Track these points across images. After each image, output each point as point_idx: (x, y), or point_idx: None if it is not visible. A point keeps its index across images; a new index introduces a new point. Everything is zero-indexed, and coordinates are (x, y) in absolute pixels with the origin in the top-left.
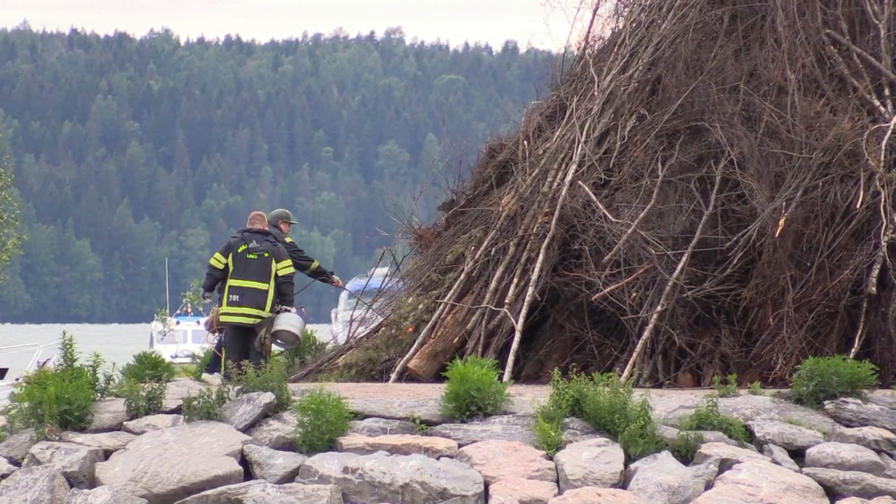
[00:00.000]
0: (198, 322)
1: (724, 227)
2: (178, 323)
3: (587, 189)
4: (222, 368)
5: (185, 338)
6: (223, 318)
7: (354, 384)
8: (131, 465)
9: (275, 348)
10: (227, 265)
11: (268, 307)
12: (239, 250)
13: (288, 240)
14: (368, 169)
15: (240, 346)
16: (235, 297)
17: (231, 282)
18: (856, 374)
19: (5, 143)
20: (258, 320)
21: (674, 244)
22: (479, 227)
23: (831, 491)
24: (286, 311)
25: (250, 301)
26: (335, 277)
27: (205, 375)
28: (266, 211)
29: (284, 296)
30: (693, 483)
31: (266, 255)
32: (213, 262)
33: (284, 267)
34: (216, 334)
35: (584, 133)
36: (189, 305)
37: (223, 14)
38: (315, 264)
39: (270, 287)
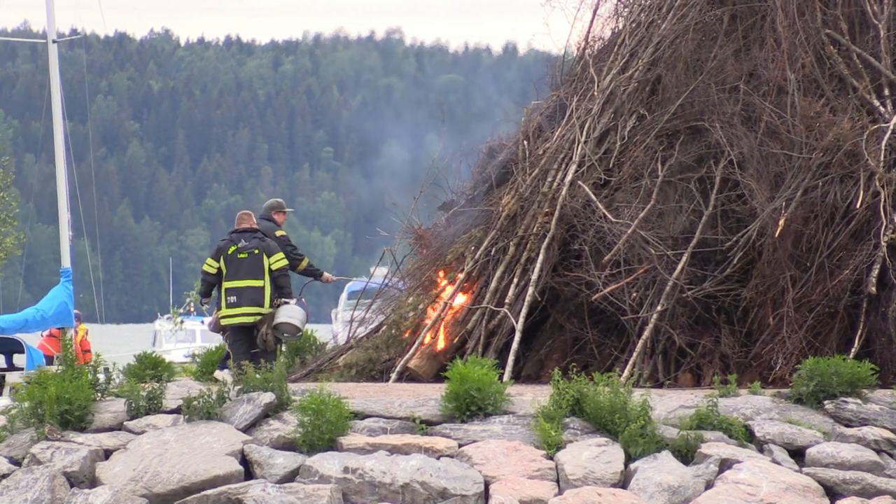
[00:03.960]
0: (202, 322)
1: (724, 227)
2: (182, 322)
3: (587, 189)
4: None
5: (193, 337)
6: (224, 321)
7: (354, 384)
8: (132, 465)
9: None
10: (220, 269)
11: (267, 303)
12: (229, 252)
13: (280, 233)
14: (368, 169)
15: (245, 347)
16: (233, 299)
17: (226, 284)
18: (856, 374)
19: (6, 143)
20: (258, 317)
21: (674, 244)
22: (479, 227)
23: (831, 491)
24: (285, 303)
25: (248, 300)
26: (326, 275)
27: (217, 373)
28: (255, 210)
29: (281, 288)
30: (693, 483)
31: (256, 251)
32: (205, 267)
33: (277, 261)
34: (222, 333)
35: (584, 133)
36: (192, 305)
37: (223, 14)
38: (304, 263)
39: (266, 283)
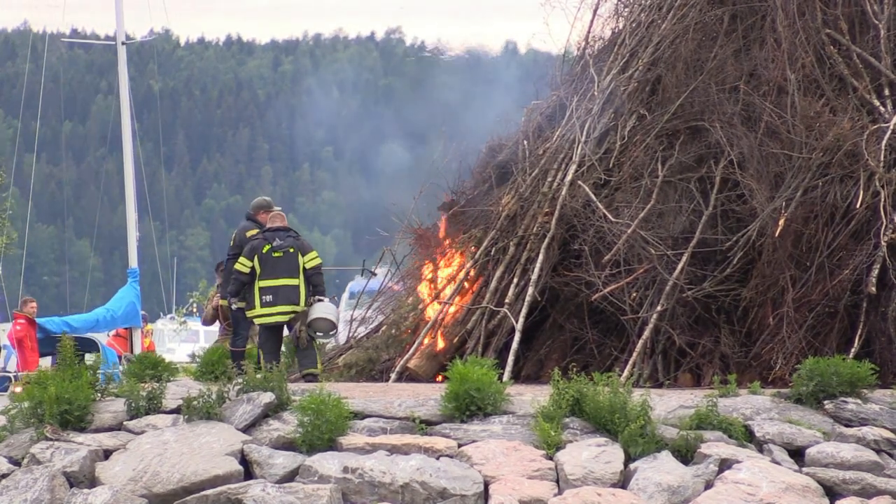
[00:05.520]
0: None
1: (724, 227)
2: (184, 322)
3: (587, 189)
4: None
5: (197, 337)
6: (259, 321)
7: (354, 384)
8: (131, 465)
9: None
10: (253, 268)
11: (302, 301)
12: (264, 251)
13: (251, 233)
14: (368, 169)
15: (275, 346)
16: (269, 298)
17: (261, 283)
18: (855, 373)
19: (6, 143)
20: (292, 315)
21: (674, 244)
22: (479, 227)
23: (831, 491)
24: (319, 300)
25: (284, 299)
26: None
27: None
28: (281, 207)
29: (316, 287)
30: (693, 483)
31: (291, 250)
32: (238, 266)
33: (311, 259)
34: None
35: (584, 133)
36: (195, 305)
37: (223, 14)
38: (237, 265)
39: (301, 281)
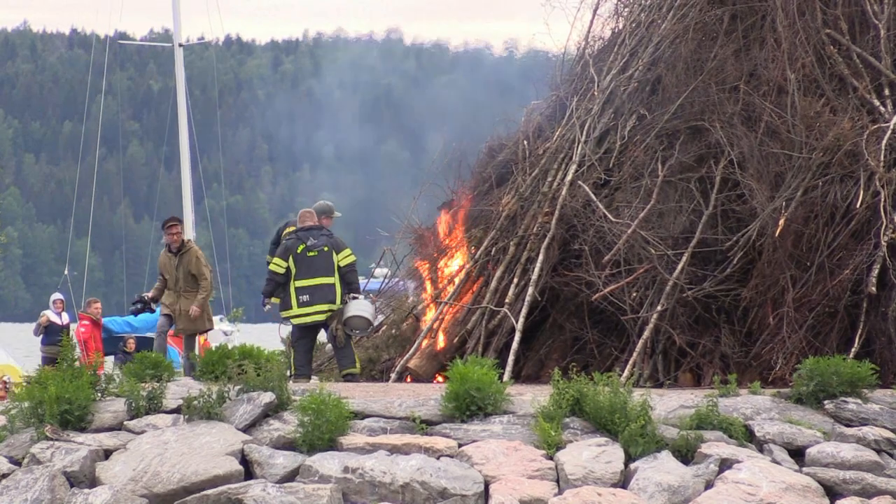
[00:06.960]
0: None
1: (724, 227)
2: None
3: (587, 189)
4: (291, 367)
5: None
6: (296, 321)
7: (354, 384)
8: (132, 465)
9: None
10: (288, 268)
11: (338, 300)
12: (298, 251)
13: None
14: (368, 169)
15: (309, 345)
16: (306, 298)
17: (297, 283)
18: (856, 373)
19: (6, 143)
20: (329, 314)
21: (674, 244)
22: (479, 227)
23: (831, 491)
24: (354, 298)
25: (322, 297)
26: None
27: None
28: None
29: (350, 284)
30: (693, 483)
31: (326, 248)
32: (273, 267)
33: (345, 257)
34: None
35: (584, 133)
36: None
37: (223, 14)
38: (271, 265)
39: (336, 280)
